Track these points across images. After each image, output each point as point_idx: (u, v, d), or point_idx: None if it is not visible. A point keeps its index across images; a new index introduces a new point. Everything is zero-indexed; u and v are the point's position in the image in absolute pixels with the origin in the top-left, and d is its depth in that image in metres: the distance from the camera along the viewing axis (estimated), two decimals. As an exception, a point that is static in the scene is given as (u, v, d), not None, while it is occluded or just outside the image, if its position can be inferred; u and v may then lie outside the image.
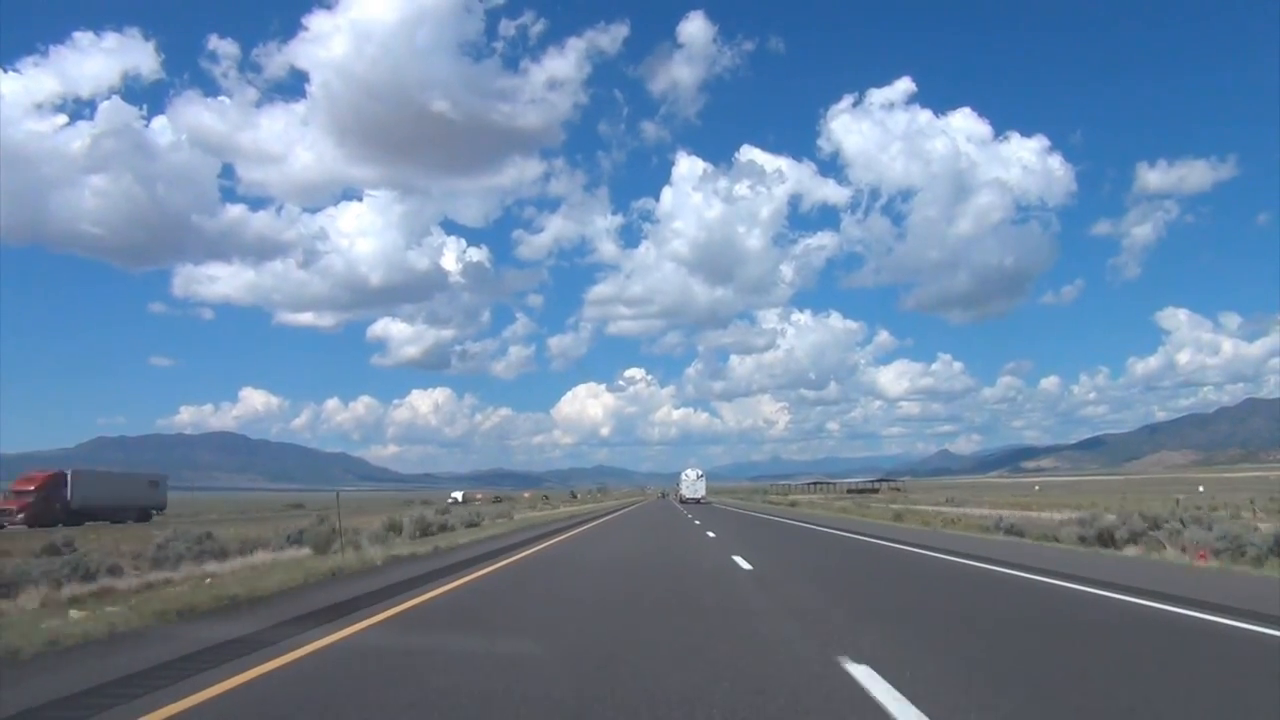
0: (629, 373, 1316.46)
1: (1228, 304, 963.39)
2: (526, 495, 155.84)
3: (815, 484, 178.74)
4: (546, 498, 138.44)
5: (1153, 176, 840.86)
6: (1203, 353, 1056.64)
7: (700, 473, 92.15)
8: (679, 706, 4.76)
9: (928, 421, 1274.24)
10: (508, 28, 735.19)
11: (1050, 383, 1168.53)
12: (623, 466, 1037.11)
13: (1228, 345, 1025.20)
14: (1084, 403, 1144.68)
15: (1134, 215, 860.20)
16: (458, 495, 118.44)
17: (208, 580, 11.31)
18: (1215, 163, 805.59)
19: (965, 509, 40.10)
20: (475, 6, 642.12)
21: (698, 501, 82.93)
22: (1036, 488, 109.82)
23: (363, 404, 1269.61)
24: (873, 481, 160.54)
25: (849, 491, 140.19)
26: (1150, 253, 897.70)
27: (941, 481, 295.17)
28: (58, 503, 46.83)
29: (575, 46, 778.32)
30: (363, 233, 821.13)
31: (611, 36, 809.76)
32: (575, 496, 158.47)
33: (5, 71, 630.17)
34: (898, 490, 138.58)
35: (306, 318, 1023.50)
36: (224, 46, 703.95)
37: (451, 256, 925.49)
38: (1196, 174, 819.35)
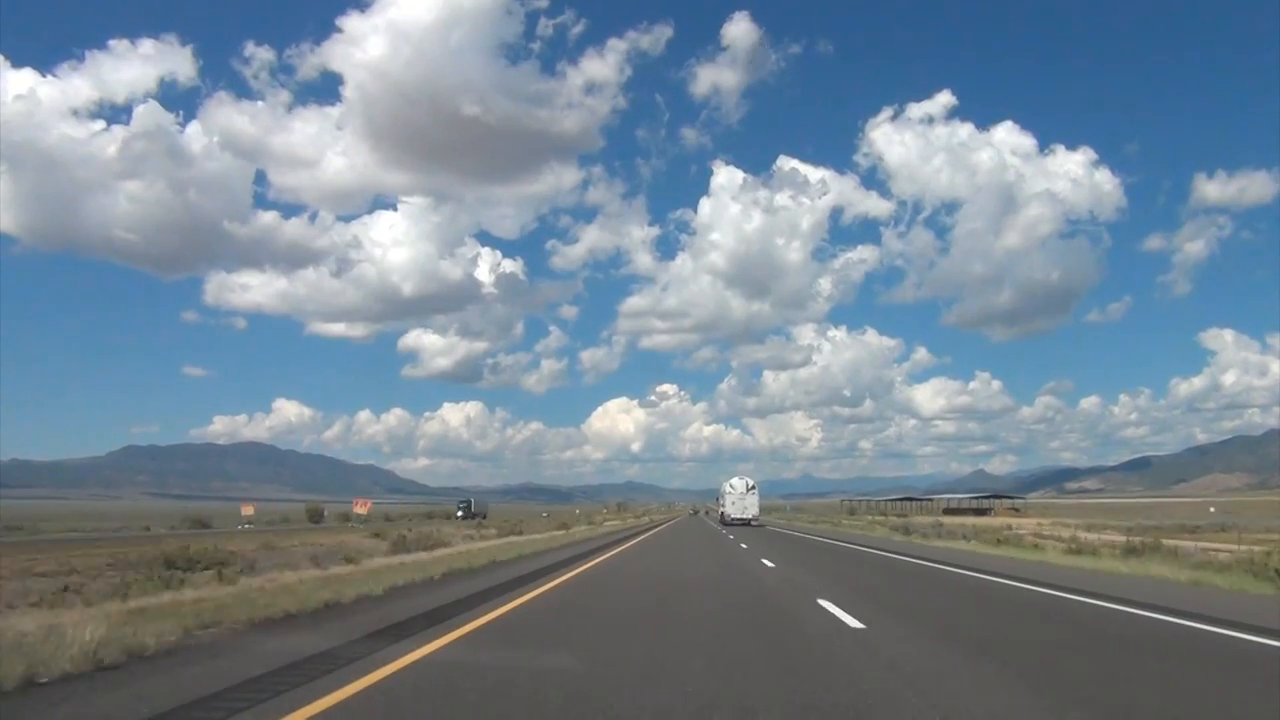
0: (661, 388, 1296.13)
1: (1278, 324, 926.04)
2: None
3: (903, 499, 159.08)
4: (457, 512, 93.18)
5: (1211, 188, 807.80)
6: (1249, 374, 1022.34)
7: (752, 484, 68.91)
8: None
9: (963, 441, 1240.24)
10: (546, 28, 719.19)
11: (1090, 403, 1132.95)
12: (653, 483, 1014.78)
13: (1276, 367, 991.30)
14: (1123, 424, 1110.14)
15: (1189, 229, 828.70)
16: None
17: None
18: (1278, 174, 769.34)
19: None
20: (515, 7, 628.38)
21: (747, 523, 63.11)
22: (1211, 510, 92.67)
23: (394, 416, 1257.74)
24: (976, 498, 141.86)
25: (946, 511, 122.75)
26: (1201, 269, 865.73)
27: (1062, 504, 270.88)
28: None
29: (616, 48, 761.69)
30: (396, 242, 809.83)
31: (654, 37, 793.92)
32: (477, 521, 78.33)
33: (43, 76, 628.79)
34: (1015, 511, 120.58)
35: (338, 328, 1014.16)
36: (260, 51, 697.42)
37: (485, 267, 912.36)
38: (1257, 185, 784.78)
